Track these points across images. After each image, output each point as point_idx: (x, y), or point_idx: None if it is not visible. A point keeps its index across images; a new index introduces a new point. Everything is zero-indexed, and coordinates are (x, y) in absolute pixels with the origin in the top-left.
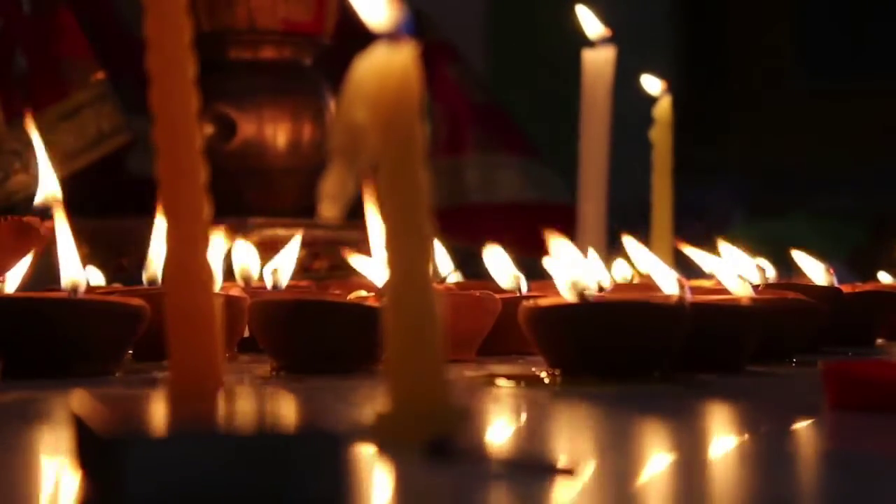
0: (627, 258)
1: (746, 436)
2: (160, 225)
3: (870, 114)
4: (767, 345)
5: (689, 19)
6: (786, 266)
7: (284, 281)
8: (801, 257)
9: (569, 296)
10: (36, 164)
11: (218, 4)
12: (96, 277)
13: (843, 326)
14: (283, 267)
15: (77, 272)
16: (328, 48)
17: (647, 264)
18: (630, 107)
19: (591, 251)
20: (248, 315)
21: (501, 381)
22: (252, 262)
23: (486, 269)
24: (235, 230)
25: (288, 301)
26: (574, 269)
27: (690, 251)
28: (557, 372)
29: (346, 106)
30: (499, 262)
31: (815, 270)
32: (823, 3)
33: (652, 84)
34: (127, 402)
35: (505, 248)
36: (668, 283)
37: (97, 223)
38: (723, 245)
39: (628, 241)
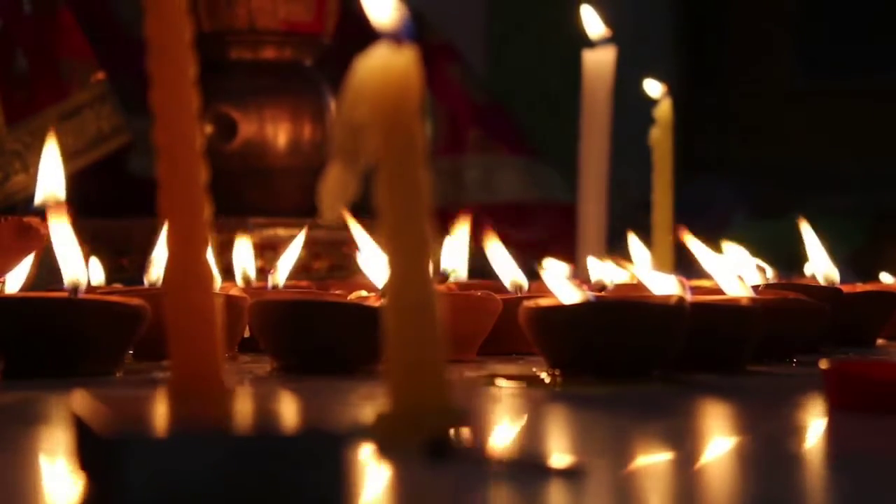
0: (620, 263)
1: (746, 436)
2: (165, 229)
3: (870, 114)
4: (767, 345)
5: (689, 19)
6: (786, 266)
7: (282, 280)
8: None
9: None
10: (37, 165)
11: (218, 4)
12: (98, 272)
13: (843, 326)
14: (283, 266)
15: (79, 270)
16: (328, 48)
17: (639, 267)
18: (630, 107)
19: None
20: (248, 315)
21: (501, 381)
22: (250, 261)
23: (487, 269)
24: (235, 230)
25: (288, 301)
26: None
27: (693, 244)
28: (557, 372)
29: (347, 106)
30: (502, 260)
31: (823, 266)
32: (823, 3)
33: (653, 86)
34: (127, 402)
35: (506, 247)
36: (660, 287)
37: (97, 223)
38: (724, 246)
39: (631, 240)
